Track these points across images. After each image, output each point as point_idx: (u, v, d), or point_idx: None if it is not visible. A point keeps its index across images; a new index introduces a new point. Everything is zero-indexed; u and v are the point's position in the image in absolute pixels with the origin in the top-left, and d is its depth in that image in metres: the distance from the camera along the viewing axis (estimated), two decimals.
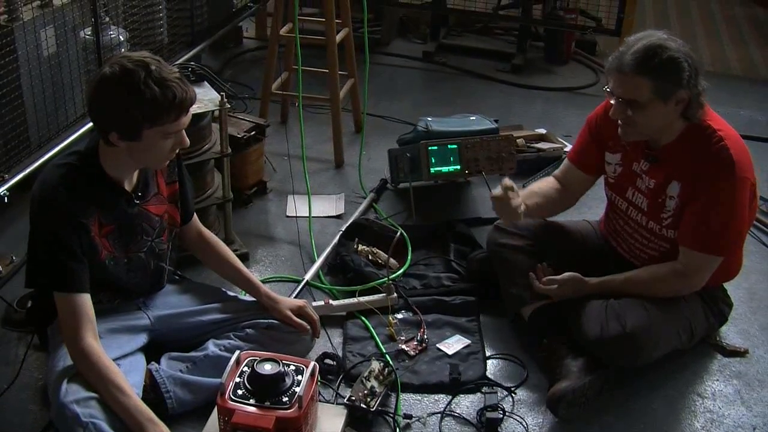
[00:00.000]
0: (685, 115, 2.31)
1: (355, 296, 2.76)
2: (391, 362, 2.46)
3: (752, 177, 2.35)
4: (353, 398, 2.26)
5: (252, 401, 2.00)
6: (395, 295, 2.75)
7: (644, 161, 2.46)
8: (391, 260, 2.86)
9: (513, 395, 2.42)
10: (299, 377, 2.07)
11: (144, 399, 2.07)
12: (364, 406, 2.25)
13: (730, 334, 2.73)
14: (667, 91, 2.25)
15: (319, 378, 2.21)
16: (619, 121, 2.37)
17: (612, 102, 2.36)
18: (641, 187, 2.49)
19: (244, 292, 2.54)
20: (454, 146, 3.29)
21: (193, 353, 2.32)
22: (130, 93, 1.97)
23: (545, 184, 2.74)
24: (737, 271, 2.58)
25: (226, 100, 2.80)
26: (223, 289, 2.53)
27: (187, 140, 2.13)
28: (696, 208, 2.34)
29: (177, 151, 2.16)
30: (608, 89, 2.36)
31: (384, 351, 2.55)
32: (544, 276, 2.55)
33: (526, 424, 2.32)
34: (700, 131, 2.34)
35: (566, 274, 2.51)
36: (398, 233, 2.94)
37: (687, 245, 2.38)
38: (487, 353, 2.58)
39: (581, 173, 2.67)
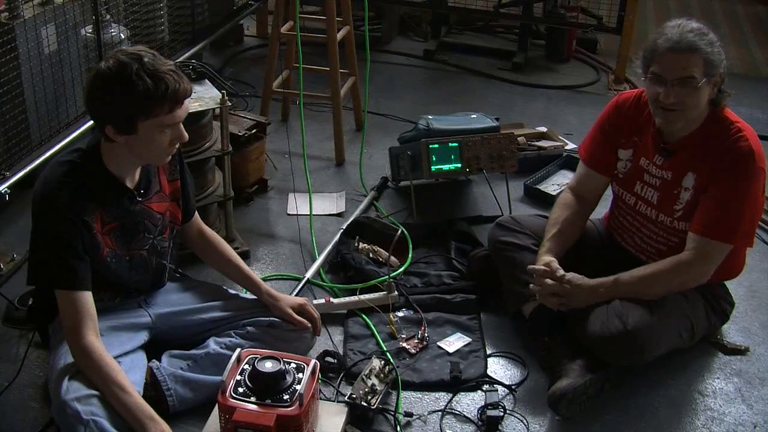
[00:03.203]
0: (715, 101, 2.35)
1: (355, 294, 2.76)
2: (391, 360, 2.47)
3: (766, 169, 2.36)
4: (354, 396, 2.27)
5: (253, 399, 2.00)
6: (396, 293, 2.75)
7: (658, 156, 2.46)
8: (392, 258, 2.86)
9: (514, 393, 2.42)
10: (300, 375, 2.07)
11: (145, 397, 2.07)
12: (364, 404, 2.25)
13: (730, 332, 2.73)
14: (713, 70, 2.28)
15: (319, 376, 2.22)
16: (660, 110, 2.34)
17: (658, 89, 2.30)
18: (650, 181, 2.49)
19: (245, 290, 2.54)
20: (455, 144, 3.29)
21: (194, 351, 2.32)
22: (123, 85, 1.97)
23: (560, 210, 2.65)
24: (740, 269, 2.58)
25: (227, 98, 2.80)
26: (224, 287, 2.53)
27: (186, 134, 2.12)
28: (712, 196, 2.34)
29: (177, 145, 2.15)
30: (652, 74, 2.31)
31: (385, 349, 2.55)
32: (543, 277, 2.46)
33: (527, 422, 2.32)
34: (717, 122, 2.36)
35: (569, 279, 2.42)
36: (399, 231, 2.94)
37: (699, 232, 2.36)
38: (488, 351, 2.58)
39: (599, 175, 2.64)
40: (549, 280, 2.43)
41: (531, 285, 2.47)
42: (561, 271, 2.43)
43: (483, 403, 2.34)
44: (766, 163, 2.37)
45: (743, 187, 2.32)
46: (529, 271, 2.48)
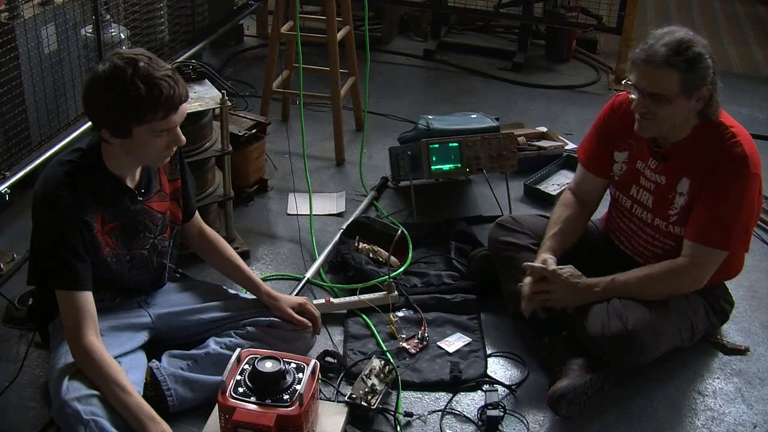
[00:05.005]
0: (703, 112, 2.32)
1: (355, 294, 2.76)
2: (391, 360, 2.47)
3: (761, 174, 2.35)
4: (354, 396, 2.27)
5: (253, 399, 2.00)
6: (396, 293, 2.75)
7: (652, 159, 2.46)
8: (392, 258, 2.86)
9: (514, 393, 2.42)
10: (300, 375, 2.07)
11: (145, 396, 2.07)
12: (365, 403, 2.25)
13: (730, 332, 2.73)
14: (693, 86, 2.24)
15: (319, 376, 2.22)
16: (637, 116, 2.35)
17: (633, 96, 2.34)
18: (646, 185, 2.49)
19: (244, 290, 2.54)
20: (455, 144, 3.29)
21: (194, 351, 2.32)
22: (116, 92, 1.96)
23: (561, 210, 2.66)
24: (739, 269, 2.58)
25: (227, 98, 2.80)
26: (224, 287, 2.53)
27: (183, 138, 2.11)
28: (706, 202, 2.34)
29: (174, 148, 2.14)
30: (630, 82, 2.33)
31: (385, 349, 2.55)
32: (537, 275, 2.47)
33: (527, 422, 2.32)
34: (712, 128, 2.35)
35: (569, 272, 2.44)
36: (399, 231, 2.94)
37: (693, 239, 2.37)
38: (488, 351, 2.58)
39: (596, 178, 2.65)
40: (528, 279, 2.44)
41: (519, 284, 2.47)
42: (553, 266, 2.43)
43: (483, 403, 2.34)
44: (761, 167, 2.36)
45: (737, 194, 2.31)
46: (524, 267, 2.48)
